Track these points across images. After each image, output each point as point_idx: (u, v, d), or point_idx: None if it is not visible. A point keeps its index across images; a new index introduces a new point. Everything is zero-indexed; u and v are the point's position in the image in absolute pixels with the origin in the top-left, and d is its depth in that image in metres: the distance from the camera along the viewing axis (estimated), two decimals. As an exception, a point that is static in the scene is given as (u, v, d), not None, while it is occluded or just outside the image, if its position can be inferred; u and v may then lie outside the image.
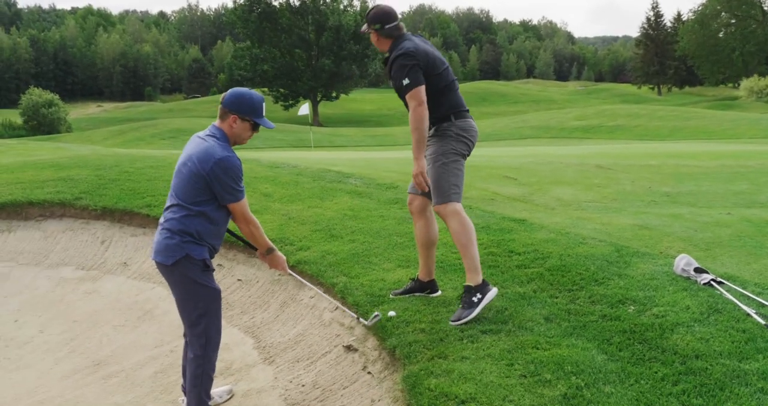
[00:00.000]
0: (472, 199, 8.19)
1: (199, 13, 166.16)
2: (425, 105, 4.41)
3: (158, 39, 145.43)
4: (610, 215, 7.52)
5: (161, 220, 4.07)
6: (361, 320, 4.81)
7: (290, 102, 69.95)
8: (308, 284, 5.37)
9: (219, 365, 5.16)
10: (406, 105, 4.54)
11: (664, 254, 5.82)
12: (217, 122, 4.02)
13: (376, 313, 4.67)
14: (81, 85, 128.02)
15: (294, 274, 5.04)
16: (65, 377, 5.56)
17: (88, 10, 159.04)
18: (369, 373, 4.40)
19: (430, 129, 4.58)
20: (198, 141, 4.00)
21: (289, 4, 71.16)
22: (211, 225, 4.00)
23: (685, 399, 3.34)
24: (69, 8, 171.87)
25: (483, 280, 4.49)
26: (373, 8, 4.75)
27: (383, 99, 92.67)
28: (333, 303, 5.39)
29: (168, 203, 4.05)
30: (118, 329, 6.24)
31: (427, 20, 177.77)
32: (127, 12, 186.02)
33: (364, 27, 4.76)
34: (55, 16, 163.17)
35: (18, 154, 15.00)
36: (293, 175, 9.31)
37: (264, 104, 4.10)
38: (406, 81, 4.41)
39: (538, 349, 3.94)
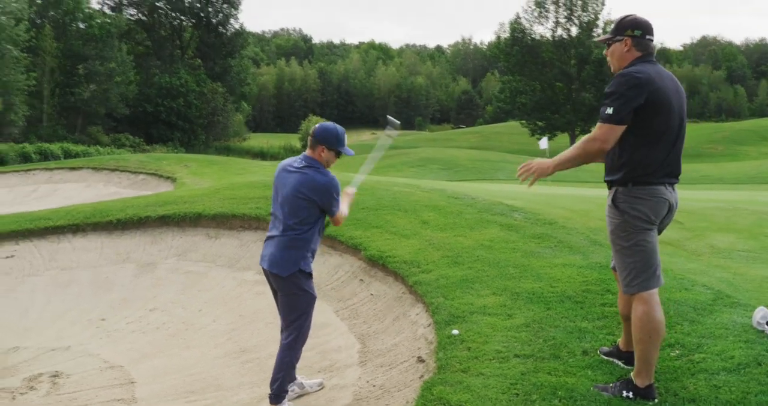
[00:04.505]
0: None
1: (472, 47, 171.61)
2: (605, 149, 3.81)
3: (432, 71, 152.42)
4: (752, 266, 7.27)
5: (273, 236, 5.05)
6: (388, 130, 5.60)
7: (548, 135, 70.04)
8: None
9: (324, 363, 6.10)
10: None
11: (767, 307, 5.67)
12: (308, 152, 4.97)
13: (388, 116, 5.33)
14: (359, 114, 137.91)
15: (356, 180, 5.73)
16: (217, 358, 6.78)
17: (371, 45, 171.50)
18: (421, 378, 5.01)
19: (609, 188, 4.03)
20: (299, 173, 4.94)
21: (553, 37, 71.49)
22: (315, 236, 4.99)
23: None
24: (356, 43, 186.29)
25: (650, 385, 3.95)
26: (629, 15, 4.08)
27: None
28: (429, 320, 6.06)
29: (279, 225, 5.00)
30: (269, 325, 7.36)
31: (710, 52, 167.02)
32: (406, 46, 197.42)
33: (608, 35, 4.08)
34: (342, 49, 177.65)
35: (264, 173, 17.24)
36: (463, 206, 9.99)
37: (345, 136, 5.01)
38: (609, 110, 3.73)
39: (550, 375, 4.30)
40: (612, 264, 4.27)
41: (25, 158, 34.80)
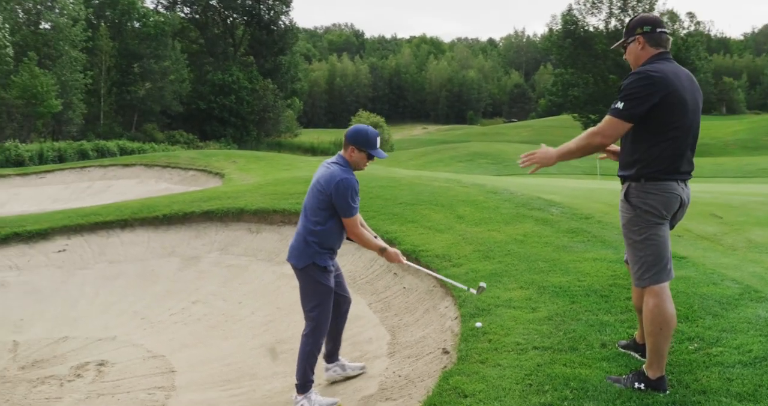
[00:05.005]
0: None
1: (524, 40, 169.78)
2: (606, 141, 3.93)
3: (483, 65, 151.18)
4: (788, 261, 7.19)
5: (298, 228, 5.28)
6: (471, 290, 5.50)
7: (599, 128, 69.03)
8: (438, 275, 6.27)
9: (355, 354, 6.26)
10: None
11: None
12: (341, 151, 5.13)
13: (480, 285, 5.35)
14: (410, 109, 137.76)
15: (410, 264, 5.96)
16: (253, 348, 7.01)
17: (422, 39, 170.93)
18: (444, 369, 5.14)
19: (623, 183, 4.11)
20: (325, 167, 5.15)
21: (606, 29, 70.32)
22: (332, 233, 5.12)
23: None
24: (407, 37, 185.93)
25: (662, 377, 4.01)
26: (636, 16, 4.21)
27: (706, 127, 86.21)
28: (456, 313, 6.17)
29: (301, 216, 5.25)
30: (305, 317, 7.60)
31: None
32: (458, 39, 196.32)
33: (622, 40, 4.22)
34: (394, 44, 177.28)
35: (308, 169, 17.50)
36: (500, 201, 10.06)
37: (378, 139, 5.12)
38: (619, 104, 3.84)
39: (566, 366, 4.39)
40: (625, 257, 4.32)
41: (83, 155, 35.89)
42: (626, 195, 4.03)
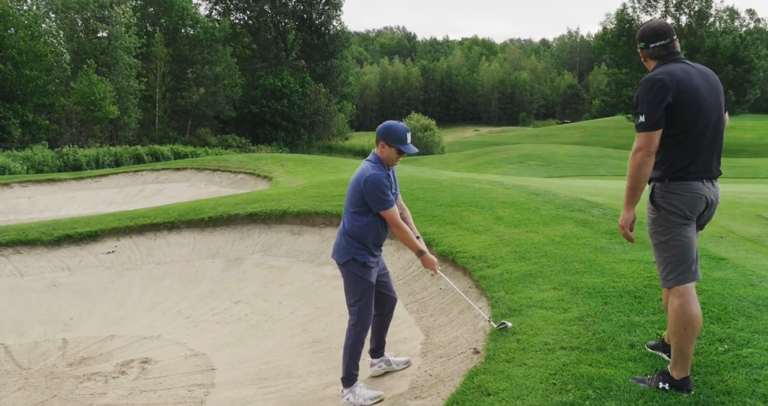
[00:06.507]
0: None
1: (578, 40, 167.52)
2: (651, 155, 3.83)
3: (536, 66, 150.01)
4: (834, 262, 7.00)
5: (339, 227, 5.46)
6: (491, 322, 5.61)
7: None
8: (457, 288, 6.34)
9: (389, 354, 6.32)
10: None
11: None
12: (375, 148, 5.24)
13: (503, 322, 5.44)
14: (462, 111, 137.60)
15: (443, 275, 6.04)
16: (291, 347, 7.14)
17: (474, 41, 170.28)
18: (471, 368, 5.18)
19: (648, 184, 4.07)
20: (361, 164, 5.29)
21: (661, 27, 69.05)
22: (369, 229, 5.23)
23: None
24: (459, 39, 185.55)
25: (686, 378, 3.99)
26: (640, 26, 4.29)
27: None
28: (489, 314, 6.19)
29: (343, 214, 5.41)
30: (342, 317, 7.65)
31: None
32: (510, 41, 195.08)
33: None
34: (446, 46, 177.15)
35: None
36: (541, 203, 10.02)
37: (408, 134, 5.19)
38: (641, 118, 3.82)
39: (591, 366, 4.38)
40: (654, 258, 4.30)
41: (138, 160, 36.67)
42: (651, 196, 4.04)
